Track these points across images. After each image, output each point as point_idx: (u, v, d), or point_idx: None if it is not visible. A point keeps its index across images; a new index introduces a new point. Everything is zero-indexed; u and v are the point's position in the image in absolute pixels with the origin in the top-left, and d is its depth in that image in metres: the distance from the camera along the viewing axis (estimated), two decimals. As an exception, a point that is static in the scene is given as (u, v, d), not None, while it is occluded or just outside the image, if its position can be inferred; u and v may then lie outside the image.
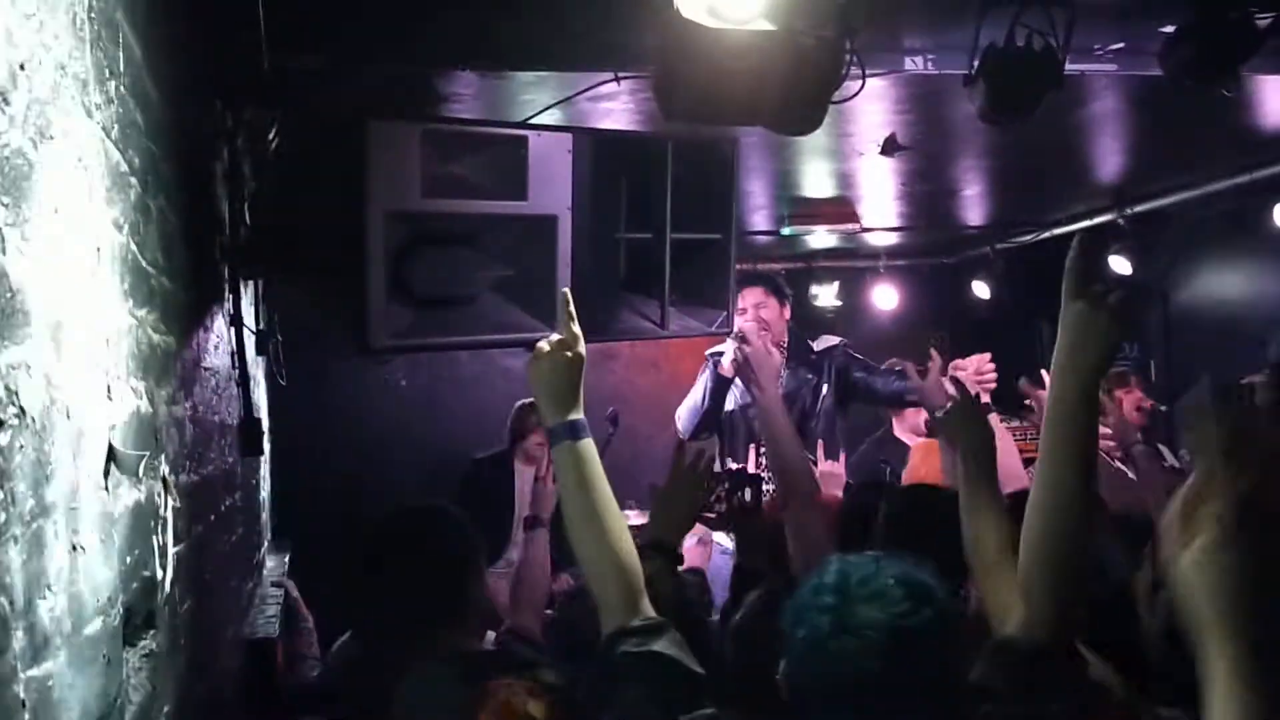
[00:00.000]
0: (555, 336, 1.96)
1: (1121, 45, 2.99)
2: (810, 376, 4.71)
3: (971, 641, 1.74)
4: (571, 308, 1.98)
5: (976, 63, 2.68)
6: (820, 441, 4.33)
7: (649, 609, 1.82)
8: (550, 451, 1.92)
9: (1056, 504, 1.65)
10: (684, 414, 4.72)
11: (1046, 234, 6.32)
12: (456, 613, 2.24)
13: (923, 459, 3.71)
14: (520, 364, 6.40)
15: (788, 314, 4.76)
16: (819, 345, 4.81)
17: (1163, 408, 4.94)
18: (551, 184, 2.78)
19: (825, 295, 6.97)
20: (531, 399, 4.38)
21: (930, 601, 1.49)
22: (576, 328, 1.95)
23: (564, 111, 3.28)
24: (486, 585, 2.35)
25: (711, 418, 4.66)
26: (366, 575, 2.28)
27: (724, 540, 4.10)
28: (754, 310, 4.54)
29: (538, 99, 3.25)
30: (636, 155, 3.06)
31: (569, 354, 1.91)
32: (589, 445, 1.89)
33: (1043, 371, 3.47)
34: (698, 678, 1.72)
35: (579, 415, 1.90)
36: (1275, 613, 0.92)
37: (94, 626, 1.26)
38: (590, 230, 2.90)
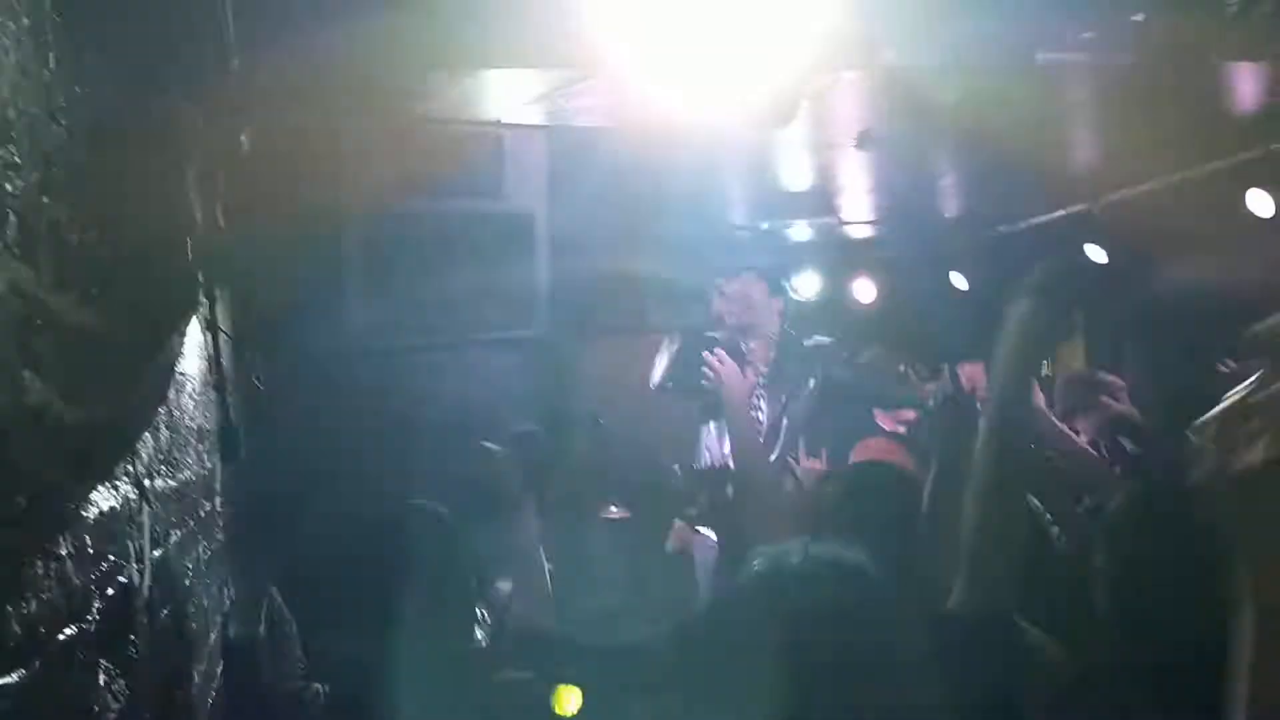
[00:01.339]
0: None
1: (1092, 34, 3.00)
2: (794, 371, 4.71)
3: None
4: None
5: (949, 55, 2.68)
6: (800, 440, 4.34)
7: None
8: None
9: (1003, 483, 1.69)
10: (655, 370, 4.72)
11: (1023, 224, 6.35)
12: (448, 612, 2.26)
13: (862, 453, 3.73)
14: (502, 360, 6.41)
15: (779, 305, 4.75)
16: (809, 342, 4.81)
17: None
18: (528, 181, 2.78)
19: (805, 288, 6.98)
20: None
21: (860, 581, 1.51)
22: None
23: (540, 109, 3.27)
24: (476, 585, 2.36)
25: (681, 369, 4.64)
26: (356, 577, 2.29)
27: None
28: (740, 287, 4.54)
29: (513, 97, 3.24)
30: (613, 152, 3.05)
31: None
32: None
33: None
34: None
35: None
36: None
37: (69, 633, 1.25)
38: (567, 227, 2.90)
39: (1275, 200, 4.74)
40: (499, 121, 3.06)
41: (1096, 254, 5.81)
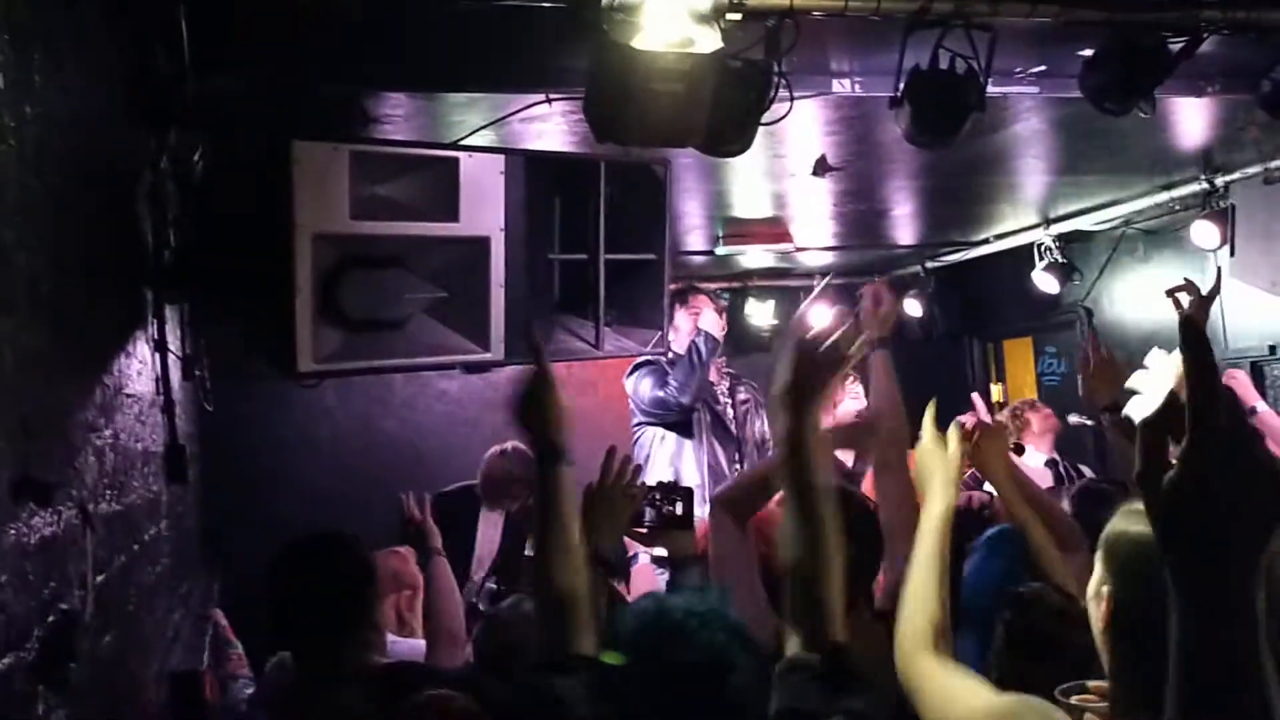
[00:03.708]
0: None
1: (1042, 68, 3.06)
2: (745, 396, 4.81)
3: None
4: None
5: (901, 85, 2.72)
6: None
7: (586, 646, 1.79)
8: (549, 471, 1.90)
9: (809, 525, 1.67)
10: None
11: (975, 253, 6.45)
12: (357, 627, 2.29)
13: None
14: (454, 386, 6.38)
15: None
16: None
17: (1088, 422, 5.05)
18: (484, 205, 2.77)
19: (761, 314, 7.01)
20: (506, 446, 4.42)
21: (735, 642, 1.51)
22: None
23: (496, 132, 3.28)
24: (388, 608, 2.40)
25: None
26: (271, 594, 2.32)
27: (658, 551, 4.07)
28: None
29: (469, 120, 3.24)
30: (569, 176, 3.05)
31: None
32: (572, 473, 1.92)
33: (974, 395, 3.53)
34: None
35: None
36: None
37: (6, 662, 1.22)
38: (523, 251, 2.89)
39: (1219, 232, 4.84)
40: (455, 144, 3.06)
41: (1047, 283, 5.91)
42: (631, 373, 5.03)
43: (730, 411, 4.83)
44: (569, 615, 1.81)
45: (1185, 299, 3.29)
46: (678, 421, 4.91)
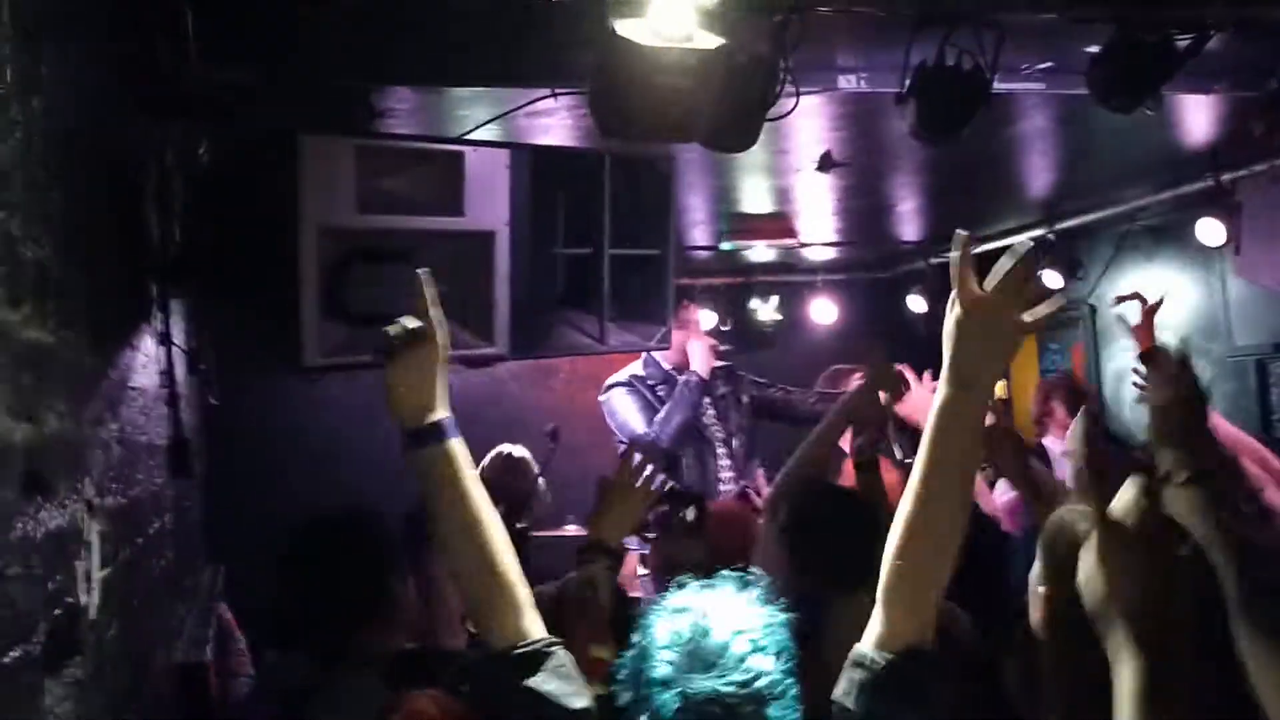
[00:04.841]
0: (409, 323, 1.68)
1: (1048, 65, 3.05)
2: (724, 389, 4.75)
3: None
4: (433, 290, 1.72)
5: (908, 82, 2.72)
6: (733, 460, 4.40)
7: (534, 629, 1.66)
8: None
9: (939, 518, 1.53)
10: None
11: (980, 249, 6.42)
12: (377, 611, 2.25)
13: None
14: (457, 381, 6.36)
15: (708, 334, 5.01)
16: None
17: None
18: (489, 200, 2.77)
19: (765, 310, 7.01)
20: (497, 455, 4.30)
21: (774, 654, 1.49)
22: (436, 312, 1.71)
23: (501, 127, 3.28)
24: (409, 589, 2.35)
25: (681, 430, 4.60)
26: (286, 576, 2.28)
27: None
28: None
29: (475, 114, 3.24)
30: (574, 171, 3.05)
31: (429, 343, 1.69)
32: (459, 444, 1.68)
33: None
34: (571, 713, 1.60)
35: (446, 413, 1.69)
36: None
37: (14, 655, 1.23)
38: (528, 246, 2.89)
39: (1224, 229, 4.83)
40: (461, 138, 3.06)
41: (1052, 279, 5.90)
42: (607, 390, 4.81)
43: (710, 410, 4.72)
44: (505, 599, 1.64)
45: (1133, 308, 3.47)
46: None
